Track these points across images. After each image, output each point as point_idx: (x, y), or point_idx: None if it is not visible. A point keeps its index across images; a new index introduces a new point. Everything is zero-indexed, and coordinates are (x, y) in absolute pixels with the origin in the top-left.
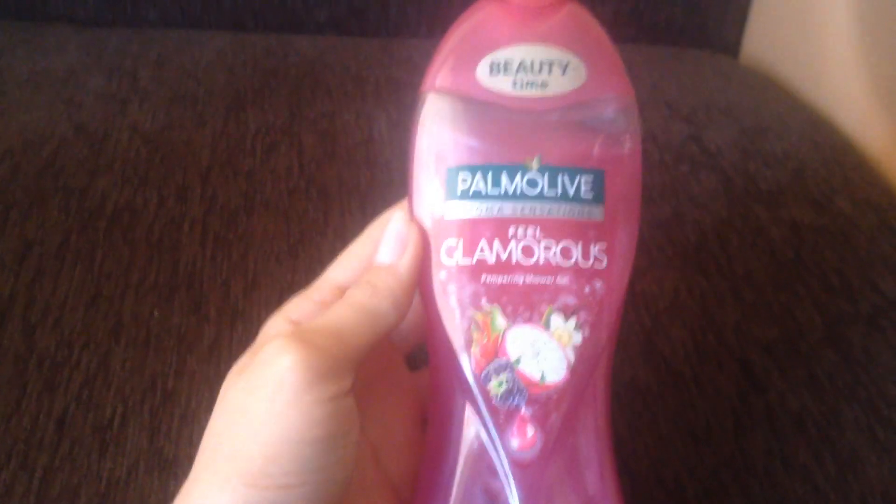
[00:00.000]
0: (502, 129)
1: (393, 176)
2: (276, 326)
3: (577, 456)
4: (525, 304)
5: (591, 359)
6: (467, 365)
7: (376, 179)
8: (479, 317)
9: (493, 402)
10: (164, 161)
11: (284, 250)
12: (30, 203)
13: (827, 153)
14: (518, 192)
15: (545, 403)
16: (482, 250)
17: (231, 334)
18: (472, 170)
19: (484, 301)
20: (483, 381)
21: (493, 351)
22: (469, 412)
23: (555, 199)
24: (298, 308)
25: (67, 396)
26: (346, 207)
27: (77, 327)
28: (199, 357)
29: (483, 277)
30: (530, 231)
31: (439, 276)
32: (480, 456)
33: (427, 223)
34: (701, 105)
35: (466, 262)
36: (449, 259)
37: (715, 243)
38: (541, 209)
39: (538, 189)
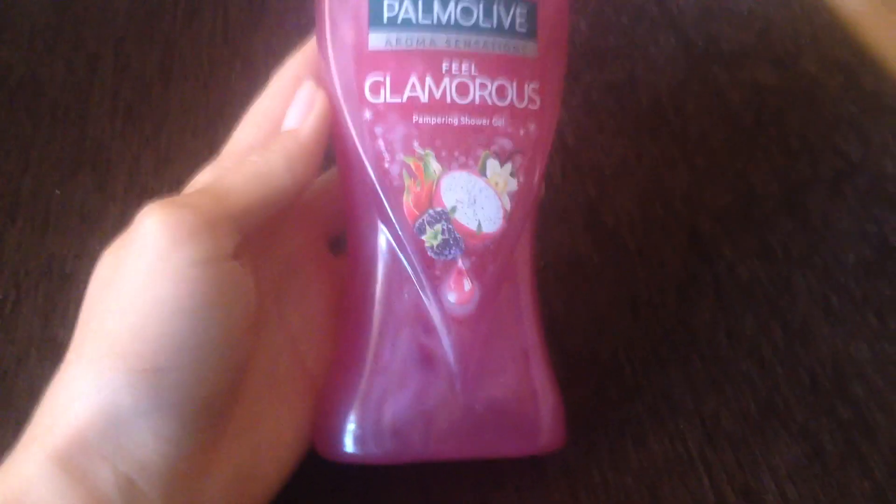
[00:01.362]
0: None
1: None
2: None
3: (511, 309)
4: (460, 147)
5: (524, 206)
6: (399, 215)
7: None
8: (411, 161)
9: (428, 253)
10: (75, 28)
11: (203, 123)
12: None
13: (796, 11)
14: (452, 21)
15: (482, 254)
16: (413, 87)
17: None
18: None
19: (416, 144)
20: (417, 232)
21: (428, 199)
22: (399, 267)
23: (490, 31)
24: (204, 179)
25: None
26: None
27: None
28: (103, 238)
29: (415, 117)
30: (465, 66)
31: (363, 116)
32: (413, 313)
33: (345, 55)
34: None
35: (396, 99)
36: (375, 97)
37: (669, 108)
38: (475, 42)
39: (473, 19)
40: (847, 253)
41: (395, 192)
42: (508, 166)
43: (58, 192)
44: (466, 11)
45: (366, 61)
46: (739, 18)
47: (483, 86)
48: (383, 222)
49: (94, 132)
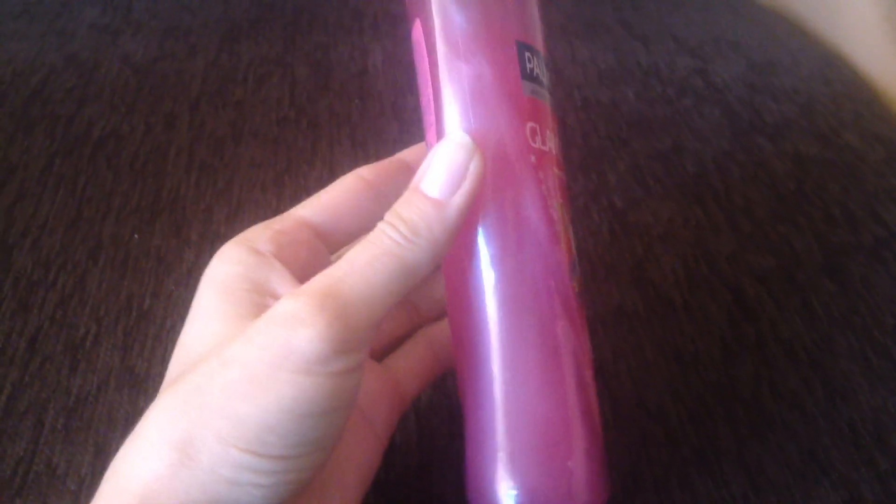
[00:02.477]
0: None
1: (385, 108)
2: (231, 253)
3: None
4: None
5: None
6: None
7: (368, 111)
8: (561, 210)
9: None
10: (153, 91)
11: (271, 178)
12: (14, 129)
13: (838, 88)
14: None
15: None
16: (550, 139)
17: (211, 258)
18: (532, 50)
19: (558, 194)
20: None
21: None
22: (565, 327)
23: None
24: (256, 235)
25: (41, 316)
26: (335, 138)
27: (55, 248)
28: (178, 279)
29: (554, 168)
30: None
31: (530, 160)
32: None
33: (501, 101)
34: (709, 39)
35: (547, 147)
36: (533, 142)
37: (714, 175)
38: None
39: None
40: (886, 315)
41: (555, 238)
42: None
43: (136, 236)
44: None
45: (522, 107)
46: (783, 93)
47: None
48: (545, 267)
49: (171, 184)
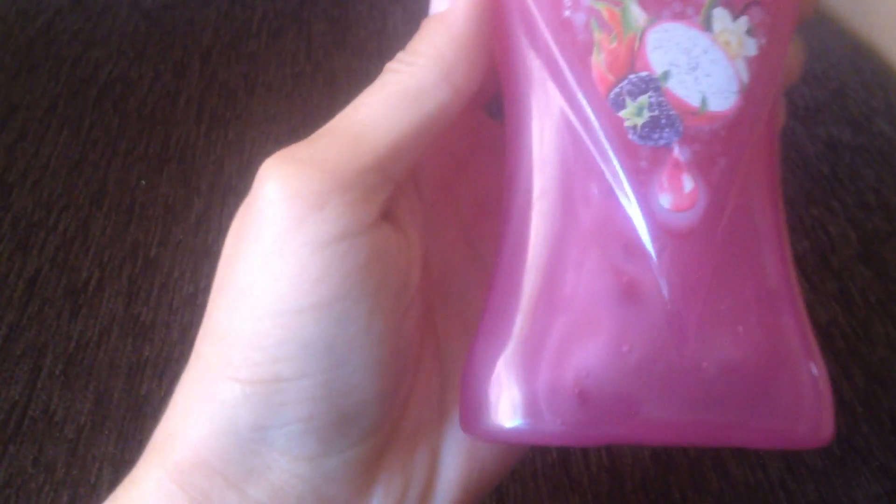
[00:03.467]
0: None
1: None
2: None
3: (750, 225)
4: None
5: (767, 79)
6: (587, 83)
7: None
8: (603, 7)
9: (629, 136)
10: (163, 38)
11: (285, 132)
12: (18, 68)
13: (868, 77)
14: None
15: (709, 141)
16: None
17: (222, 209)
18: None
19: None
20: (613, 106)
21: (628, 61)
22: (585, 157)
23: None
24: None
25: (41, 258)
26: (353, 96)
27: (58, 190)
28: (186, 228)
29: None
30: None
31: None
32: (606, 224)
33: None
34: None
35: None
36: None
37: None
38: None
39: None
40: None
41: (581, 52)
42: (744, 21)
43: (143, 181)
44: None
45: None
46: (813, 79)
47: None
48: (563, 95)
49: (180, 133)
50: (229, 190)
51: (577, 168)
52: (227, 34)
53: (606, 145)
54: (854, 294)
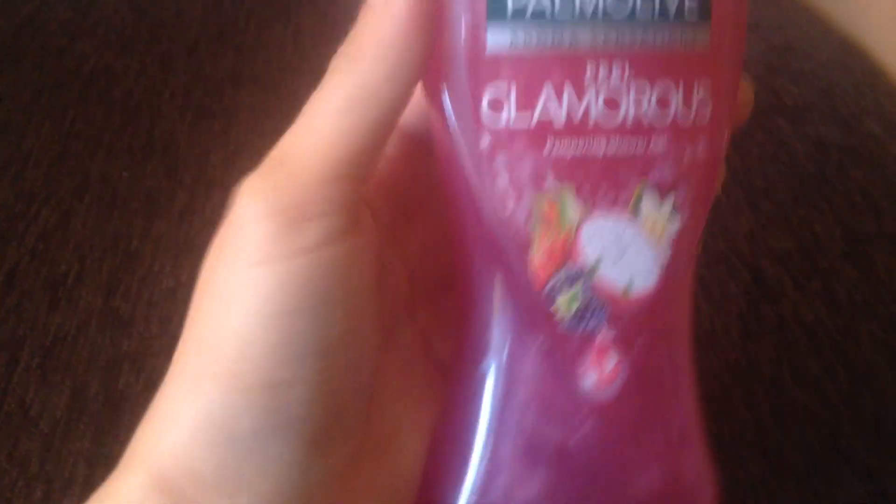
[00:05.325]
0: None
1: None
2: None
3: (665, 384)
4: (607, 182)
5: (687, 254)
6: (524, 277)
7: None
8: (543, 204)
9: (559, 329)
10: (149, 30)
11: (271, 126)
12: (2, 58)
13: (858, 76)
14: (600, 12)
15: (630, 322)
16: (546, 103)
17: (205, 203)
18: None
19: (550, 180)
20: (546, 301)
21: (563, 254)
22: (523, 340)
23: (651, 20)
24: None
25: (21, 249)
26: None
27: (39, 182)
28: (169, 221)
29: (549, 146)
30: (616, 71)
31: (480, 144)
32: (538, 399)
33: (456, 60)
34: None
35: (523, 122)
36: (495, 117)
37: (733, 154)
38: (632, 37)
39: (629, 7)
40: None
41: (520, 247)
42: (669, 201)
43: (125, 174)
44: None
45: (483, 69)
46: (802, 77)
47: (639, 98)
48: (503, 286)
49: (165, 125)
50: (214, 183)
51: (516, 350)
52: (215, 27)
53: (541, 334)
54: (840, 294)
